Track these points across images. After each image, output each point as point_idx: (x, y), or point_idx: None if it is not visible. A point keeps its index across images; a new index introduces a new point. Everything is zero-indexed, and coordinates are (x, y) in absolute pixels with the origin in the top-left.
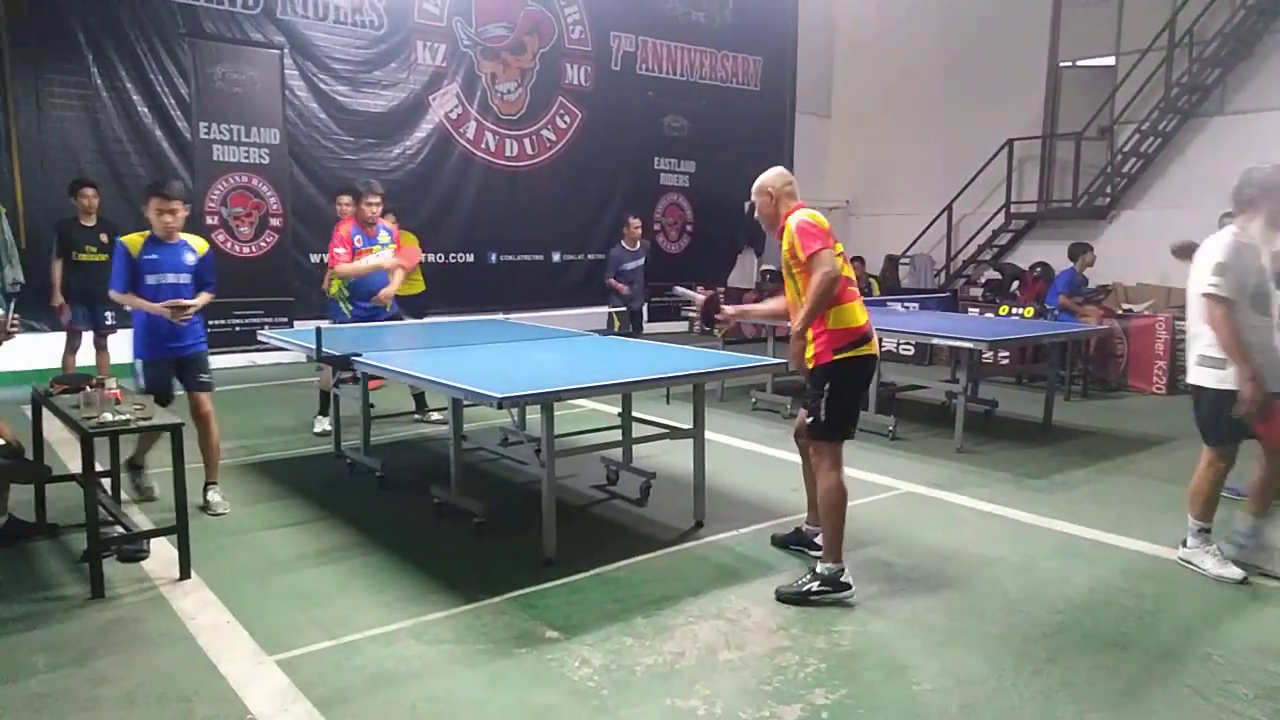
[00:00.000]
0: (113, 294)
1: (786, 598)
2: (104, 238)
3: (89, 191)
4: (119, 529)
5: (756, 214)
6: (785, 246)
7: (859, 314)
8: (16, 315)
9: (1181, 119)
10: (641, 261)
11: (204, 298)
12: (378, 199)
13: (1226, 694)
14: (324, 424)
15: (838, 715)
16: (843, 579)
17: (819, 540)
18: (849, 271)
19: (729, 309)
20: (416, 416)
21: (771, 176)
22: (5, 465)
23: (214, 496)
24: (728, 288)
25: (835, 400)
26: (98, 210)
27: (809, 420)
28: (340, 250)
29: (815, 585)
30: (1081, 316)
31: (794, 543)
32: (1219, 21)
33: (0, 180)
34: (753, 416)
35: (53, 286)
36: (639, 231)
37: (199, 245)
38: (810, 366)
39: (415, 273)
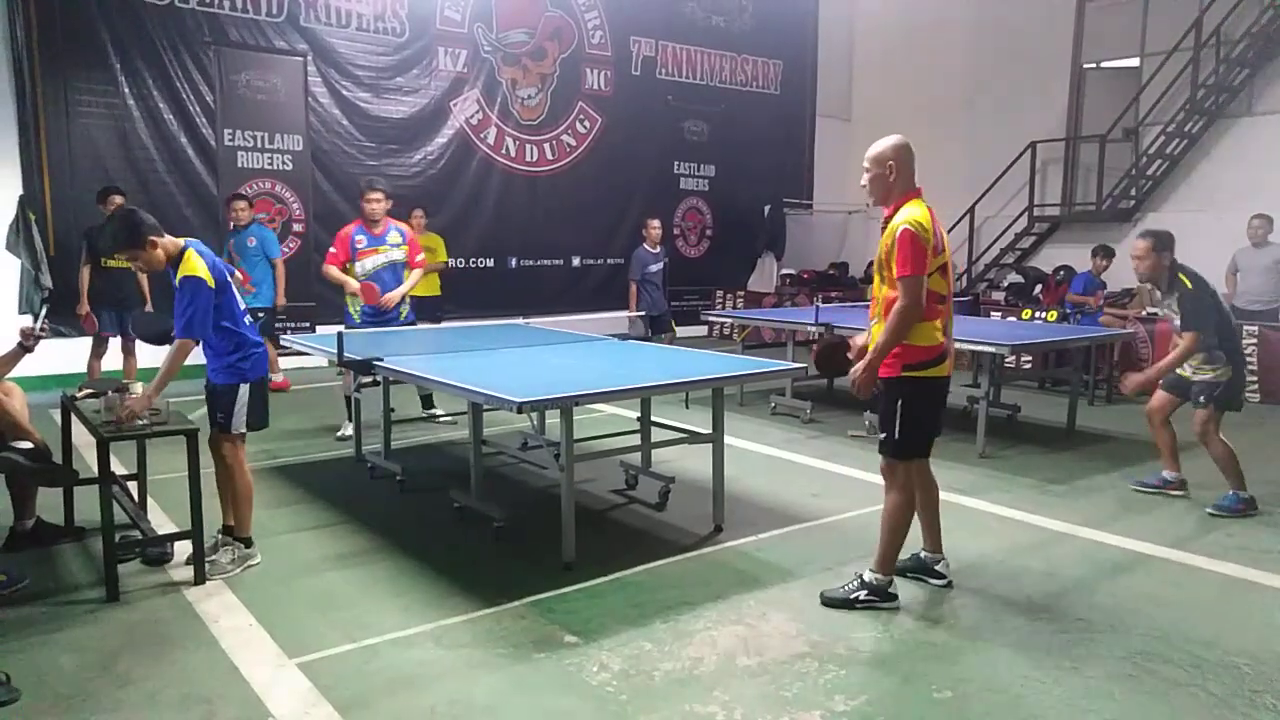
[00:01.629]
0: None
1: (832, 602)
2: None
3: (117, 199)
4: (143, 533)
5: (863, 183)
6: (884, 243)
7: (938, 333)
8: (46, 320)
9: (1208, 120)
10: (663, 265)
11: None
12: (377, 195)
13: (1254, 704)
14: (348, 429)
15: None
16: (890, 590)
17: (940, 569)
18: (941, 286)
19: (858, 339)
20: (425, 415)
21: (893, 147)
22: (33, 468)
23: (224, 557)
24: (747, 292)
25: (909, 417)
26: None
27: (881, 436)
28: (332, 250)
29: (863, 594)
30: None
31: (911, 570)
32: (1246, 21)
33: (29, 188)
34: (772, 421)
35: (80, 294)
36: (658, 233)
37: (181, 270)
38: (879, 377)
39: (433, 276)
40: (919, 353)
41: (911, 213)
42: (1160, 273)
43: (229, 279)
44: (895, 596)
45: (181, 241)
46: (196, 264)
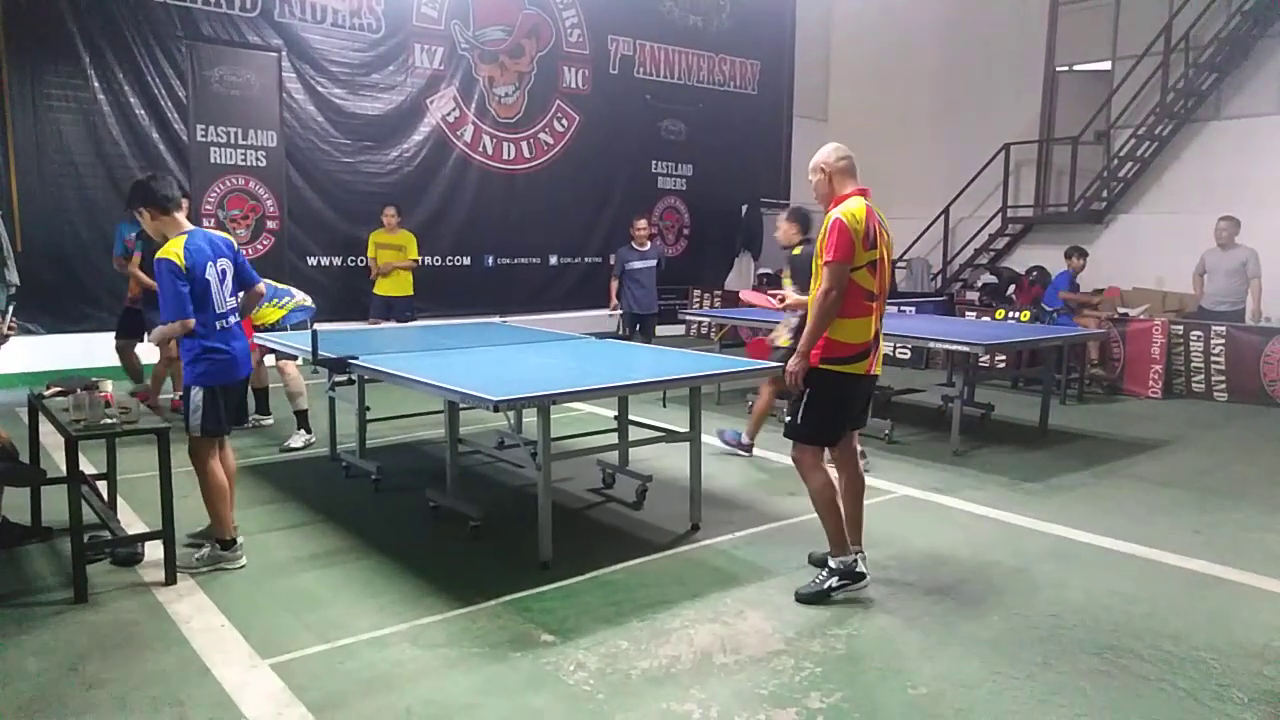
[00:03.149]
0: None
1: (807, 598)
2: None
3: None
4: (112, 533)
5: (813, 192)
6: (819, 239)
7: (862, 332)
8: (14, 319)
9: (1177, 124)
10: (653, 264)
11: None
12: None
13: (1221, 698)
14: (296, 440)
15: (833, 719)
16: (858, 569)
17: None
18: (870, 283)
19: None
20: (255, 417)
21: (825, 153)
22: None
23: (193, 555)
24: (725, 291)
25: (813, 406)
26: None
27: (786, 418)
28: None
29: (834, 581)
30: (1079, 319)
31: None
32: (1215, 27)
33: None
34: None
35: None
36: (643, 232)
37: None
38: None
39: (405, 274)
40: (839, 348)
41: (847, 205)
42: (792, 242)
43: (207, 275)
44: (864, 575)
45: (188, 228)
46: (171, 247)
